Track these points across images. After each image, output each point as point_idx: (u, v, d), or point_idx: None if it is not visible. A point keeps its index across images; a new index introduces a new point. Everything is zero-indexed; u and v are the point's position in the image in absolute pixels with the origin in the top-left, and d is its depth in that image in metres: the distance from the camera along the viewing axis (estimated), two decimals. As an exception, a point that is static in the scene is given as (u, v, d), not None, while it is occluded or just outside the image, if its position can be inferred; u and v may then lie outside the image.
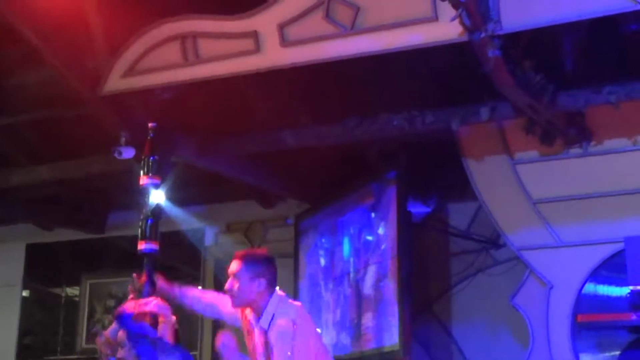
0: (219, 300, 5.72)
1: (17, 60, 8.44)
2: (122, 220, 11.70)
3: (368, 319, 9.19)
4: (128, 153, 8.25)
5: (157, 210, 5.69)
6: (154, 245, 5.51)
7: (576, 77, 7.56)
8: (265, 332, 5.27)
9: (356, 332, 9.35)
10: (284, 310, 5.30)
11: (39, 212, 11.65)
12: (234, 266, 5.35)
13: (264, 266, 5.36)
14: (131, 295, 5.39)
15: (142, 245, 5.50)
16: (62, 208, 11.56)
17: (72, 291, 12.63)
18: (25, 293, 12.51)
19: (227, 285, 5.36)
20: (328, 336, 9.75)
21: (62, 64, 7.85)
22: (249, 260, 5.34)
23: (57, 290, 12.80)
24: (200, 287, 11.23)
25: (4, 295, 12.33)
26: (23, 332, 12.19)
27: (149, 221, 5.46)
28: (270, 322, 5.27)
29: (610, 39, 7.53)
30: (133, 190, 9.93)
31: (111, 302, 11.85)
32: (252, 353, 5.36)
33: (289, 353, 5.14)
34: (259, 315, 5.33)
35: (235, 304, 5.39)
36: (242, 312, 5.49)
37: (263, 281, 5.30)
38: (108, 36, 7.70)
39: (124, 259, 11.75)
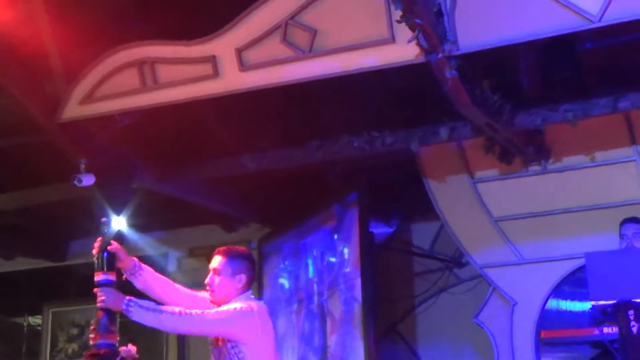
0: (183, 294, 5.62)
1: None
2: (83, 248, 11.57)
3: (333, 341, 9.18)
4: (88, 180, 8.19)
5: (117, 238, 5.59)
6: (110, 277, 5.40)
7: (534, 96, 7.62)
8: None
9: (322, 354, 9.33)
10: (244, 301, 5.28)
11: (-2, 241, 11.54)
12: (216, 261, 5.31)
13: (246, 263, 5.34)
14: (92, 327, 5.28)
15: (99, 277, 5.39)
16: (23, 236, 11.45)
17: (34, 320, 12.53)
18: (-15, 324, 12.39)
19: (207, 280, 5.31)
20: (295, 358, 9.73)
21: (20, 92, 7.79)
22: (231, 256, 5.31)
23: (19, 320, 12.68)
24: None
25: (-35, 326, 12.20)
26: (-15, 363, 12.05)
27: (105, 254, 5.36)
28: None
29: (566, 57, 7.60)
30: (94, 217, 9.91)
31: (74, 331, 11.76)
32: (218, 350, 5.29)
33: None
34: None
35: (214, 299, 5.33)
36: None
37: (243, 277, 5.27)
38: (66, 63, 7.66)
39: (86, 286, 11.54)
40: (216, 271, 5.30)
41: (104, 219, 5.63)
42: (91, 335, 5.18)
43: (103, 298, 5.17)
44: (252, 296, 5.35)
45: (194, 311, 5.11)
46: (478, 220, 8.52)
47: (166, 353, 11.26)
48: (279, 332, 10.05)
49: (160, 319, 5.02)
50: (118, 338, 5.27)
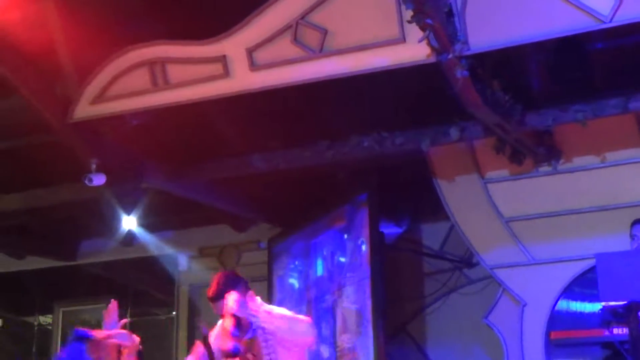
0: None
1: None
2: (93, 247, 11.65)
3: (344, 341, 9.18)
4: (98, 180, 8.22)
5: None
6: None
7: (544, 96, 7.61)
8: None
9: (332, 354, 9.33)
10: None
11: (9, 241, 11.56)
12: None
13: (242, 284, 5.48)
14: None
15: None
16: (33, 236, 11.49)
17: (45, 319, 12.57)
18: (-3, 323, 12.43)
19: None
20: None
21: (31, 92, 7.82)
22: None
23: (30, 319, 12.72)
24: (174, 313, 11.33)
25: (-24, 325, 12.24)
26: (-4, 362, 12.09)
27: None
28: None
29: (576, 57, 7.58)
30: (104, 217, 9.95)
31: (85, 330, 11.78)
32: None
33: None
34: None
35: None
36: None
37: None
38: (77, 64, 7.68)
39: (96, 285, 11.73)
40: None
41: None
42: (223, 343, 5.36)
43: None
44: None
45: None
46: (488, 220, 8.51)
47: (176, 353, 11.27)
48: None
49: None
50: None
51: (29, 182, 9.70)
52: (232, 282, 5.51)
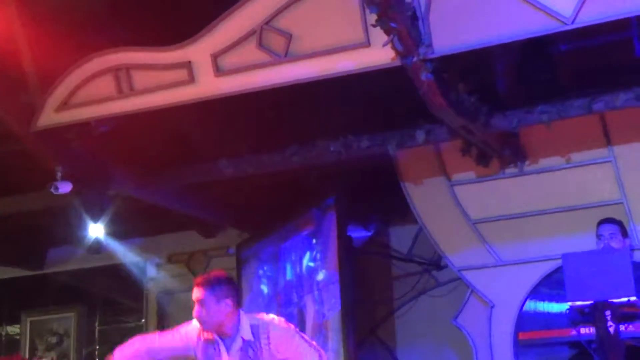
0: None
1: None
2: (60, 256, 11.58)
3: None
4: (64, 188, 8.17)
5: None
6: None
7: (510, 98, 7.65)
8: (249, 343, 5.33)
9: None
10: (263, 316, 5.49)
11: (-25, 250, 11.47)
12: (198, 293, 5.37)
13: (227, 287, 5.41)
14: None
15: None
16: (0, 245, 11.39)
17: (13, 329, 12.46)
18: (-36, 333, 12.32)
19: (194, 313, 5.38)
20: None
21: (-5, 100, 7.76)
22: (211, 285, 5.36)
23: (-3, 328, 12.63)
24: (144, 320, 11.27)
25: (-57, 336, 12.12)
26: (-37, 373, 11.96)
27: None
28: (255, 332, 5.37)
29: (541, 59, 7.63)
30: (71, 225, 9.88)
31: (53, 339, 11.72)
32: None
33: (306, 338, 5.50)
34: (229, 334, 5.37)
35: (207, 328, 5.40)
36: (198, 338, 5.47)
37: (229, 302, 5.34)
38: (41, 71, 7.63)
39: (64, 294, 11.65)
40: (201, 303, 5.34)
41: None
42: None
43: None
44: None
45: None
46: (456, 222, 8.55)
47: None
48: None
49: None
50: None
51: (-6, 190, 9.64)
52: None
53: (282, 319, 5.53)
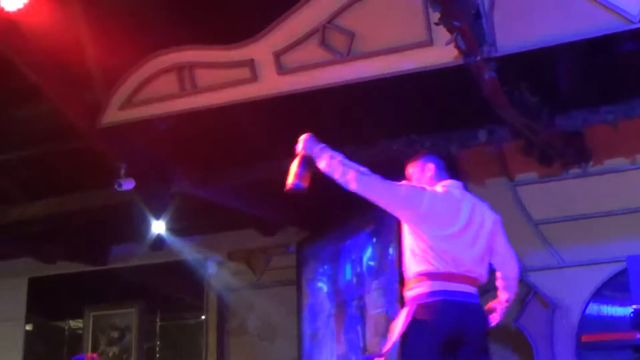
0: None
1: (14, 95, 8.44)
2: (123, 252, 11.70)
3: (374, 346, 9.15)
4: (128, 185, 8.27)
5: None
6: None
7: (573, 98, 7.56)
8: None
9: (362, 358, 9.31)
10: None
11: (40, 246, 11.63)
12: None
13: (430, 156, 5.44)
14: None
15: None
16: (64, 241, 11.55)
17: (75, 324, 12.63)
18: (28, 327, 12.49)
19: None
20: (335, 362, 9.73)
21: (60, 98, 7.86)
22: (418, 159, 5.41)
23: (61, 324, 12.79)
24: (203, 317, 11.35)
25: (8, 330, 12.30)
26: (27, 367, 12.16)
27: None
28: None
29: (606, 58, 7.53)
30: (134, 222, 9.99)
31: (114, 334, 11.85)
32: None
33: None
34: None
35: None
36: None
37: (431, 166, 5.36)
38: (105, 69, 7.71)
39: (126, 290, 11.77)
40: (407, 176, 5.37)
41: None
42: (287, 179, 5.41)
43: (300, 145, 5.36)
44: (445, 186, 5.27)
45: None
46: (518, 223, 8.46)
47: (206, 357, 11.29)
48: (319, 335, 10.06)
49: (346, 173, 5.12)
50: (307, 184, 5.42)
51: (60, 187, 9.77)
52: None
53: None
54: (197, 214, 10.17)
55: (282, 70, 7.02)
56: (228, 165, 8.70)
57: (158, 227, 10.03)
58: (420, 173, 5.36)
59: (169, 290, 11.86)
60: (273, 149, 8.50)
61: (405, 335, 4.84)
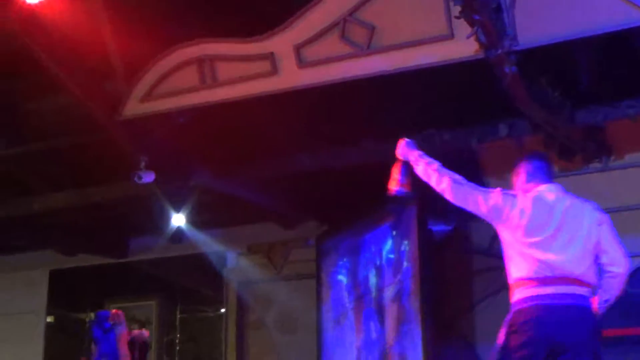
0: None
1: (35, 87, 8.48)
2: (143, 245, 11.73)
3: (392, 337, 9.16)
4: (148, 177, 8.29)
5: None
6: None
7: (594, 92, 7.53)
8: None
9: (381, 351, 9.32)
10: None
11: (61, 238, 11.68)
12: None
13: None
14: None
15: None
16: (84, 233, 11.59)
17: (97, 316, 12.66)
18: (49, 319, 12.55)
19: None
20: (355, 355, 9.72)
21: (81, 90, 7.89)
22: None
23: (81, 316, 12.83)
24: (223, 310, 11.37)
25: (29, 322, 12.37)
26: (48, 358, 12.19)
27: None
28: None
29: (627, 53, 7.49)
30: (154, 214, 10.02)
31: (135, 326, 11.87)
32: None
33: None
34: None
35: None
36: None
37: (523, 170, 5.33)
38: (126, 62, 7.74)
39: (146, 282, 11.81)
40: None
41: None
42: (389, 185, 5.56)
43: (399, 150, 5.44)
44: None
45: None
46: (538, 217, 8.43)
47: (225, 349, 11.32)
48: (339, 328, 10.07)
49: (441, 182, 5.19)
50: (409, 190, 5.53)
51: (80, 180, 9.81)
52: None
53: None
54: (217, 206, 10.18)
55: (302, 63, 7.02)
56: (248, 158, 8.71)
57: (178, 219, 10.05)
58: (516, 177, 5.38)
59: (189, 283, 11.89)
60: (293, 143, 8.51)
61: (504, 341, 4.98)
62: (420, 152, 5.34)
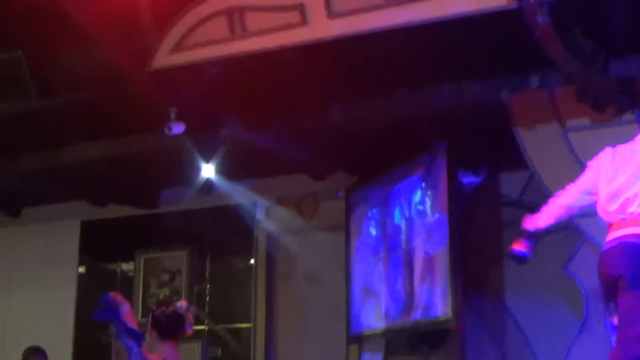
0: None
1: (65, 40, 8.48)
2: (174, 196, 11.76)
3: (421, 289, 9.18)
4: (178, 129, 8.31)
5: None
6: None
7: (628, 42, 7.43)
8: None
9: (409, 302, 9.35)
10: None
11: (92, 189, 11.74)
12: None
13: None
14: None
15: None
16: (115, 184, 11.63)
17: (127, 267, 12.76)
18: (81, 269, 12.65)
19: None
20: (382, 306, 9.77)
21: (110, 42, 7.88)
22: None
23: (113, 266, 12.94)
24: (252, 261, 11.42)
25: (61, 272, 12.46)
26: (80, 309, 12.31)
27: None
28: None
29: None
30: (184, 166, 10.04)
31: (165, 277, 11.97)
32: None
33: None
34: None
35: None
36: None
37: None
38: (155, 13, 7.72)
39: (177, 234, 11.86)
40: None
41: None
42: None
43: None
44: None
45: None
46: (568, 169, 8.35)
47: (255, 301, 11.38)
48: (368, 279, 10.10)
49: (550, 213, 5.81)
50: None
51: (110, 130, 9.82)
52: None
53: None
54: (247, 158, 10.18)
55: (332, 14, 6.98)
56: (278, 110, 8.69)
57: (208, 170, 10.06)
58: None
59: (219, 234, 11.92)
60: (323, 95, 8.48)
61: None
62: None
